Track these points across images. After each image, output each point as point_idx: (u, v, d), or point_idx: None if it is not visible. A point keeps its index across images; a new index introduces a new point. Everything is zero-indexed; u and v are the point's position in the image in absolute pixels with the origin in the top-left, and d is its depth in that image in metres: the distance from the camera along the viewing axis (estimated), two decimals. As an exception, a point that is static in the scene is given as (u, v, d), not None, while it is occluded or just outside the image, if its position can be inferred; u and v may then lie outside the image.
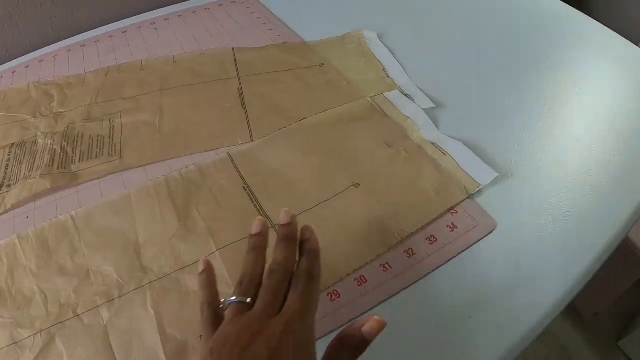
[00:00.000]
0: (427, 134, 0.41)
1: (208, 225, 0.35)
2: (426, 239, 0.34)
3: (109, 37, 0.60)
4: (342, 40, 0.54)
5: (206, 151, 0.41)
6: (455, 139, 0.40)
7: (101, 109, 0.47)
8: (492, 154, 0.40)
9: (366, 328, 0.22)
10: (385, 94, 0.45)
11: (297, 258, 0.26)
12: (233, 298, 0.24)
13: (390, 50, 0.53)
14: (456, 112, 0.45)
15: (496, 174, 0.37)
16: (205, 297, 0.25)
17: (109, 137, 0.44)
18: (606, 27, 0.55)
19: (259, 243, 0.27)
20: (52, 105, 0.49)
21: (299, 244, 0.27)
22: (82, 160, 0.42)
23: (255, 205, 0.36)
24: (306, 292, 0.24)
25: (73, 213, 0.37)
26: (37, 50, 0.61)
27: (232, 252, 0.33)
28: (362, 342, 0.22)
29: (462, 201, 0.35)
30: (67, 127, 0.45)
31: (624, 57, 0.51)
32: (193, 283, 0.31)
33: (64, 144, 0.43)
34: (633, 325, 0.81)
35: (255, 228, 0.27)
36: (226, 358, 0.20)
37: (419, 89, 0.47)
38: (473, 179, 0.37)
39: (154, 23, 0.61)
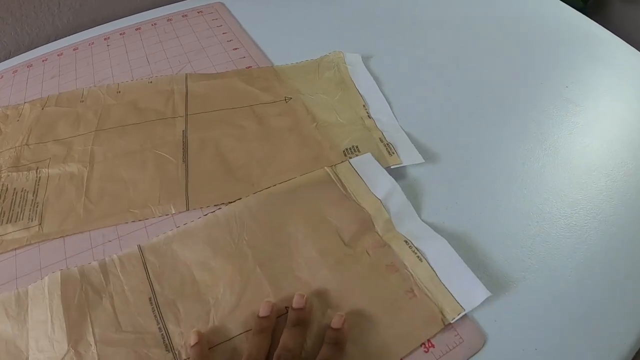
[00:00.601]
0: (401, 225, 0.31)
1: (100, 354, 0.27)
2: (392, 365, 0.26)
3: (58, 55, 0.52)
4: (317, 65, 0.45)
5: (133, 221, 0.33)
6: (437, 232, 0.31)
7: (31, 152, 0.41)
8: (491, 238, 0.31)
9: None
10: (351, 160, 0.35)
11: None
12: None
13: (375, 78, 0.43)
14: (450, 167, 0.35)
15: (488, 294, 0.27)
16: None
17: (33, 193, 0.38)
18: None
19: (265, 326, 0.26)
20: (-16, 143, 0.43)
21: (328, 328, 0.26)
22: (2, 223, 0.36)
23: (160, 328, 0.28)
24: None
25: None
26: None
27: None
28: None
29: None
30: (-7, 175, 0.39)
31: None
32: None
33: (-15, 199, 0.37)
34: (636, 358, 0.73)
35: (263, 311, 0.27)
36: None
37: (406, 133, 0.38)
38: (456, 300, 0.27)
39: (108, 38, 0.53)
